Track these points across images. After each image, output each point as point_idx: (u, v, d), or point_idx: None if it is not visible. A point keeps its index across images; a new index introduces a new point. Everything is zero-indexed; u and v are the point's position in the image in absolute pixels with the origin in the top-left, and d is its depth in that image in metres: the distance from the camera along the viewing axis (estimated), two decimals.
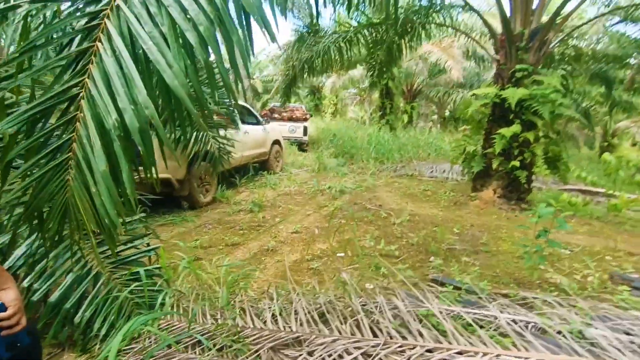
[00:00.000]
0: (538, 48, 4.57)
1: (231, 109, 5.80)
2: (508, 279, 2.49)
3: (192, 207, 4.78)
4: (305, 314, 2.01)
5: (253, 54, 1.23)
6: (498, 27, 5.34)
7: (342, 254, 3.01)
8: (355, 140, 9.60)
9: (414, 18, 5.76)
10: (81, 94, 1.06)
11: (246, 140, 6.36)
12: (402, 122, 15.24)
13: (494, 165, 4.74)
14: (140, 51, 1.10)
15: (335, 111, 24.46)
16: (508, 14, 4.73)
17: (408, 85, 16.26)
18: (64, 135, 1.05)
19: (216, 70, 1.21)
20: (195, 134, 4.34)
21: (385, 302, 1.98)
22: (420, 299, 1.99)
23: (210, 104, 5.22)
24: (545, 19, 4.86)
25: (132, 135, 1.04)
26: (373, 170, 7.44)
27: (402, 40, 6.46)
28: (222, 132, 4.86)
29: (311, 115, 13.52)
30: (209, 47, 1.10)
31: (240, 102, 7.01)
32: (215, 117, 5.70)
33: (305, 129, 11.28)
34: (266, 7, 1.20)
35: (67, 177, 1.06)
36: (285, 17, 10.64)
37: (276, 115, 11.46)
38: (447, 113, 22.39)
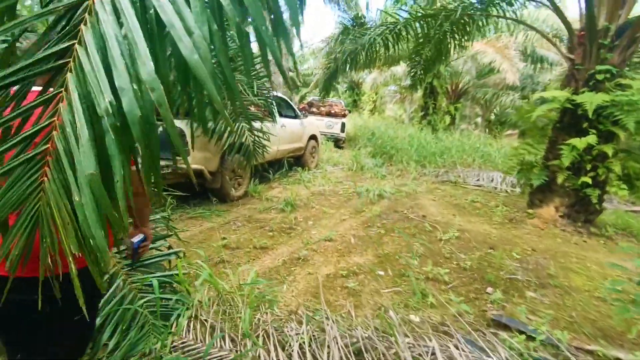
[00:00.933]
0: (626, 46, 3.90)
1: (270, 100, 5.58)
2: (590, 328, 2.01)
3: (223, 201, 4.58)
4: (339, 349, 1.68)
5: (300, 40, 0.88)
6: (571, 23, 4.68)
7: (382, 272, 2.63)
8: (395, 140, 9.08)
9: (473, 10, 5.19)
10: (68, 65, 0.76)
11: (282, 134, 6.10)
12: (444, 124, 14.43)
13: (559, 180, 4.14)
14: (152, 10, 0.79)
15: (374, 108, 23.89)
16: (583, 7, 4.08)
17: (453, 84, 15.37)
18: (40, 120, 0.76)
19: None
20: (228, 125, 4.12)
21: (439, 349, 1.60)
22: (483, 348, 1.59)
23: (247, 94, 5.01)
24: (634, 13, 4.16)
25: (131, 126, 0.73)
26: (414, 174, 6.94)
27: (455, 36, 5.90)
28: (257, 124, 4.61)
29: (350, 112, 13.09)
30: (249, 10, 0.78)
31: (279, 93, 6.76)
32: (252, 109, 5.48)
33: (343, 125, 10.90)
34: None
35: (41, 178, 0.78)
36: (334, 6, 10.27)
37: (314, 110, 11.17)
38: (492, 116, 21.14)
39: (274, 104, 5.73)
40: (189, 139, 4.02)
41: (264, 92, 5.49)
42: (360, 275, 2.58)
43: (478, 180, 7.17)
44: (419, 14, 5.74)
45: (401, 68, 16.53)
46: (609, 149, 3.83)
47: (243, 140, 4.50)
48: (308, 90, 19.68)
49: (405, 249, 3.10)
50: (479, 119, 22.70)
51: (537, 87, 15.56)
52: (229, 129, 4.17)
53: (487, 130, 19.53)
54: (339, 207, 4.54)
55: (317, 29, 54.02)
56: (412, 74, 6.96)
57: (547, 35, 4.78)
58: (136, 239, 1.29)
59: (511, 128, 21.17)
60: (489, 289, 2.41)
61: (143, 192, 1.06)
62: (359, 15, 9.69)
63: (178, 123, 3.99)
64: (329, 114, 11.03)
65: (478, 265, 2.78)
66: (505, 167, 7.84)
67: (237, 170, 4.77)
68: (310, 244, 3.20)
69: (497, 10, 5.10)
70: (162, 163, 4.23)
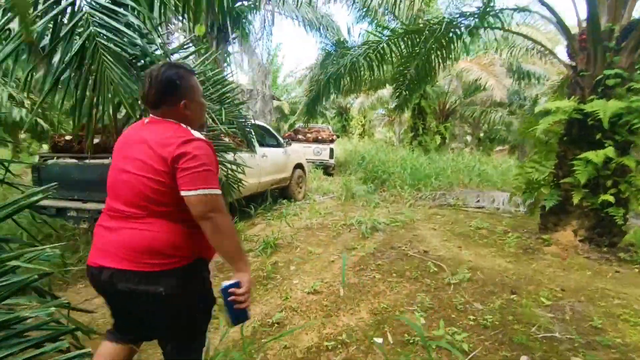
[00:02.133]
0: (634, 48, 3.50)
1: (248, 129, 5.10)
2: None
3: None
4: None
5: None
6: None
7: (379, 340, 2.02)
8: (387, 164, 8.60)
9: (458, 25, 4.86)
10: None
11: (264, 164, 5.58)
12: (435, 144, 14.11)
13: (575, 199, 3.62)
14: None
15: (363, 132, 23.76)
16: (580, 11, 3.73)
17: (440, 104, 15.21)
18: None
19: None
20: None
21: None
22: None
23: (220, 122, 4.53)
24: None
25: None
26: (409, 200, 6.41)
27: (440, 53, 5.57)
28: (229, 156, 4.07)
29: (338, 137, 12.71)
30: None
31: (258, 121, 6.29)
32: (226, 139, 4.97)
33: (331, 151, 10.43)
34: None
35: None
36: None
37: (301, 137, 10.74)
38: (481, 134, 21.02)
39: (252, 133, 5.23)
40: None
41: (240, 120, 5.01)
42: (351, 347, 1.96)
43: (478, 201, 6.66)
44: (402, 31, 5.41)
45: (387, 91, 16.43)
46: (630, 162, 3.34)
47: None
48: (295, 117, 19.47)
49: (407, 300, 2.49)
50: (468, 137, 22.60)
51: (524, 103, 15.49)
52: None
53: (478, 147, 19.33)
54: (327, 245, 3.94)
55: (301, 58, 55.06)
56: (397, 94, 6.59)
57: (542, 43, 4.41)
58: (226, 283, 1.13)
59: (501, 144, 21.13)
60: (524, 359, 1.81)
61: (212, 221, 1.08)
62: (341, 40, 9.51)
63: None
64: (316, 140, 10.59)
65: (501, 320, 2.18)
66: (504, 186, 7.38)
67: None
68: (290, 299, 2.58)
69: (483, 23, 4.77)
70: (92, 206, 3.63)
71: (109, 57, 1.52)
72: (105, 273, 1.10)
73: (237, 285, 1.12)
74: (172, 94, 1.17)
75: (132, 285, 1.08)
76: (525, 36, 4.82)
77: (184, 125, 1.19)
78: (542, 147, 4.14)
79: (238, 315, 1.14)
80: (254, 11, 9.16)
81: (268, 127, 6.49)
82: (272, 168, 5.95)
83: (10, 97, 7.36)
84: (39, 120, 8.03)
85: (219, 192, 1.10)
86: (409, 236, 4.10)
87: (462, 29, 4.89)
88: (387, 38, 5.50)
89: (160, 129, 1.16)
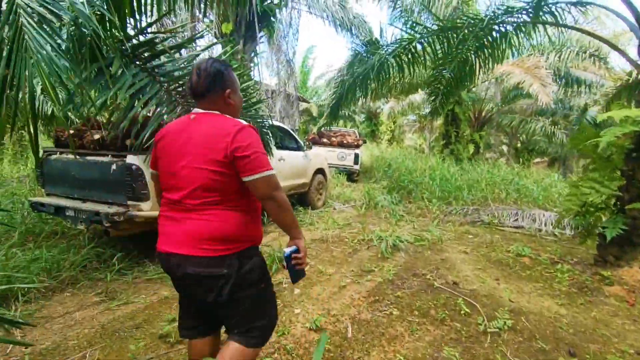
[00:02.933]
0: None
1: (265, 130, 4.76)
2: None
3: None
4: None
5: None
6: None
7: None
8: (414, 173, 8.00)
9: (507, 19, 4.26)
10: None
11: (281, 168, 5.20)
12: (468, 153, 13.24)
13: None
14: None
15: (392, 138, 23.05)
16: None
17: (476, 111, 14.30)
18: None
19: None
20: None
21: None
22: None
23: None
24: None
25: None
26: (437, 214, 5.81)
27: (481, 54, 4.97)
28: None
29: (365, 141, 12.15)
30: None
31: (278, 123, 5.93)
32: None
33: (356, 156, 9.92)
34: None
35: None
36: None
37: (325, 140, 10.31)
38: (518, 144, 19.75)
39: (270, 135, 4.87)
40: (149, 179, 3.16)
41: (257, 120, 4.68)
42: None
43: (517, 220, 5.93)
44: (437, 28, 4.86)
45: (419, 96, 15.72)
46: None
47: None
48: (323, 120, 19.11)
49: (430, 351, 1.98)
50: (504, 147, 21.32)
51: (569, 112, 14.26)
52: None
53: (516, 158, 18.12)
54: (341, 264, 3.47)
55: (333, 60, 54.80)
56: (432, 98, 6.02)
57: (608, 41, 3.73)
58: (288, 249, 1.32)
59: (540, 156, 19.74)
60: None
61: (275, 198, 1.24)
62: (372, 39, 9.01)
63: (133, 159, 3.14)
64: (341, 145, 10.13)
65: None
66: (547, 203, 6.59)
67: None
68: (286, 336, 2.15)
69: (537, 19, 4.15)
70: (112, 210, 3.37)
71: (29, 19, 1.16)
72: (175, 259, 1.23)
73: (296, 250, 1.32)
74: (219, 83, 1.29)
75: (198, 269, 1.21)
76: (589, 33, 4.13)
77: (228, 116, 1.30)
78: (603, 164, 3.47)
79: (298, 274, 1.37)
80: (282, 9, 8.88)
81: (288, 128, 6.11)
82: (290, 172, 5.57)
83: None
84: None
85: (274, 171, 1.24)
86: (435, 260, 3.56)
87: (508, 26, 4.28)
88: (420, 36, 4.97)
89: (212, 121, 1.25)
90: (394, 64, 5.36)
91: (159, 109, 2.97)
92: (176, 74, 3.15)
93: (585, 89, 10.56)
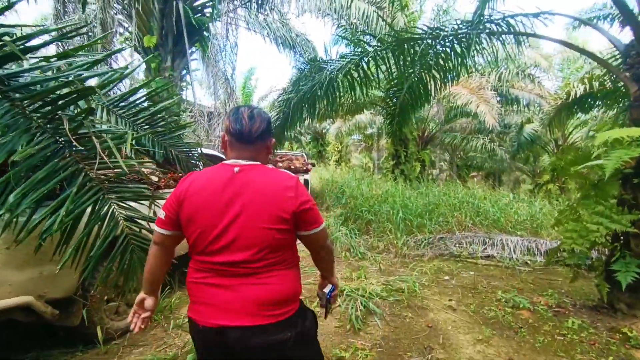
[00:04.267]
0: None
1: (193, 161, 3.76)
2: None
3: (91, 343, 2.41)
4: None
5: None
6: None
7: None
8: (371, 200, 7.32)
9: (469, 31, 3.77)
10: None
11: None
12: (415, 172, 13.14)
13: None
14: None
15: (340, 158, 22.78)
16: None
17: (420, 131, 14.42)
18: None
19: None
20: (93, 203, 2.08)
21: None
22: None
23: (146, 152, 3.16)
24: None
25: None
26: (402, 249, 5.10)
27: (442, 66, 4.48)
28: (137, 204, 2.59)
29: (314, 165, 11.37)
30: None
31: (212, 151, 4.86)
32: (153, 177, 3.59)
33: (306, 182, 9.05)
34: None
35: None
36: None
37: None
38: (458, 161, 20.56)
39: (201, 166, 3.81)
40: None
41: (183, 149, 3.63)
42: None
43: (486, 249, 5.44)
44: (392, 40, 4.26)
45: (365, 117, 15.55)
46: None
47: (117, 232, 2.38)
48: None
49: None
50: (442, 164, 22.06)
51: (505, 130, 14.94)
52: (89, 210, 2.11)
53: (458, 174, 18.70)
54: None
55: (276, 81, 54.47)
56: (389, 120, 5.42)
57: (600, 58, 3.30)
58: (327, 289, 1.41)
59: (475, 170, 20.74)
60: None
61: (328, 246, 1.27)
62: (317, 58, 8.36)
63: None
64: (288, 170, 9.22)
65: None
66: (508, 225, 6.23)
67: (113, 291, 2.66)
68: None
69: (500, 28, 3.70)
70: None
71: None
72: (234, 333, 1.09)
73: (333, 289, 1.41)
74: (270, 132, 1.24)
75: (266, 338, 1.10)
76: (580, 50, 3.73)
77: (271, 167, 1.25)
78: (600, 192, 2.95)
79: (330, 310, 1.46)
80: (216, 23, 7.93)
81: (222, 156, 5.05)
82: None
83: None
84: None
85: None
86: (421, 329, 2.72)
87: (482, 35, 3.77)
88: (372, 49, 4.34)
89: (263, 175, 1.15)
90: (345, 82, 4.67)
91: (7, 138, 1.87)
92: (37, 87, 2.09)
93: (523, 107, 10.96)
